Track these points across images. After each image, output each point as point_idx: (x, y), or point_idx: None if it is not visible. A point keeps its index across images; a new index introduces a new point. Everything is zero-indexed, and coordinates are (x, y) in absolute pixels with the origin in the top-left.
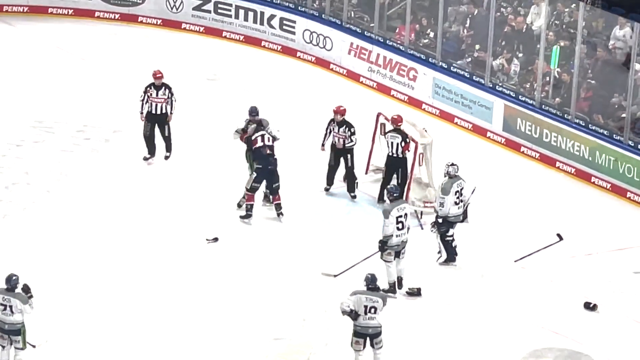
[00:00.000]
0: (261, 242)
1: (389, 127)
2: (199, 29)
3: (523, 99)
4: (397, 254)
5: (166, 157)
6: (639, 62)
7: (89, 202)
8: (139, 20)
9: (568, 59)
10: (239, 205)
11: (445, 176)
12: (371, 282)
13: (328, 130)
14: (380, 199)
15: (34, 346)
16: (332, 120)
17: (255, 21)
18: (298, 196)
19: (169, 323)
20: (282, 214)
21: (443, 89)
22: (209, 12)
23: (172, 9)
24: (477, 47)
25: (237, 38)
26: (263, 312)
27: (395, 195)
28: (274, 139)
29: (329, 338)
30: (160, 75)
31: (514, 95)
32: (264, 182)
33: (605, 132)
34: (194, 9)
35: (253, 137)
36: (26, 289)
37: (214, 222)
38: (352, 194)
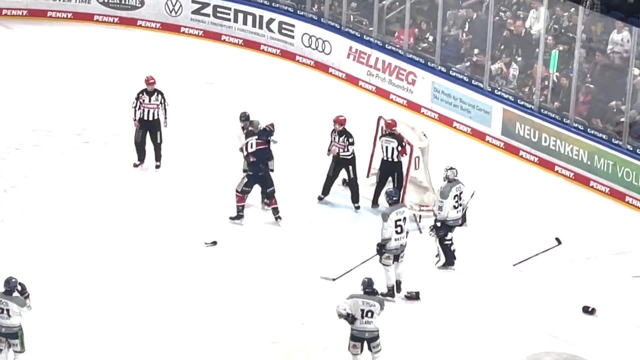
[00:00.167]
0: (260, 246)
1: (385, 131)
2: (198, 33)
3: (522, 103)
4: (396, 258)
5: (157, 167)
6: (638, 66)
7: (88, 206)
8: (138, 24)
9: (567, 63)
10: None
11: (444, 180)
12: (368, 286)
13: (333, 138)
14: (375, 203)
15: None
16: (334, 129)
17: (254, 25)
18: (296, 200)
19: (168, 326)
20: (280, 217)
21: (442, 93)
22: (208, 15)
23: (171, 12)
24: (476, 51)
25: (236, 42)
26: (261, 316)
27: (394, 198)
28: (267, 143)
29: (327, 342)
30: (152, 81)
31: (512, 100)
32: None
33: (604, 137)
34: (193, 12)
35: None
36: (22, 289)
37: (213, 226)
38: (356, 205)
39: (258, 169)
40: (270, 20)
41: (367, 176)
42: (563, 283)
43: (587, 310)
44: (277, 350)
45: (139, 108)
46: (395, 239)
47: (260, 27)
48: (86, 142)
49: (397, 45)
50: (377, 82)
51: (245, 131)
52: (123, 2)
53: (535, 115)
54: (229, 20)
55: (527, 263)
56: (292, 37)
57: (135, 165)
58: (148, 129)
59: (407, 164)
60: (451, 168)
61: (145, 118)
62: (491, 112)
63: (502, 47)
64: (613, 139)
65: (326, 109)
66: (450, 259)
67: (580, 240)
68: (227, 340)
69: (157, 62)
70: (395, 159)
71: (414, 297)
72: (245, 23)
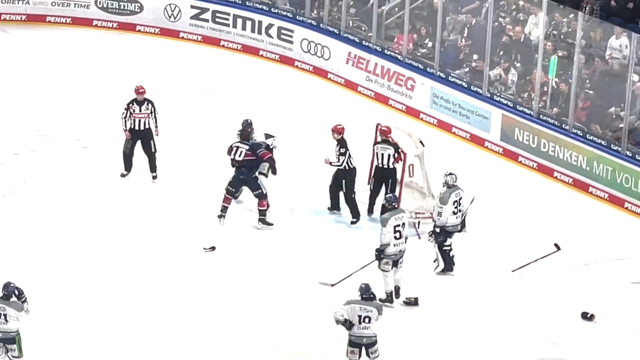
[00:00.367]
0: (258, 251)
1: (379, 138)
2: (197, 38)
3: (521, 108)
4: (395, 264)
5: (154, 178)
6: (637, 72)
7: (87, 211)
8: (137, 29)
9: (566, 69)
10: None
11: (443, 186)
12: (365, 292)
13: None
14: (370, 210)
15: None
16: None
17: (253, 30)
18: (295, 205)
19: (167, 332)
20: (262, 220)
21: (441, 98)
22: (207, 21)
23: (170, 17)
24: (475, 56)
25: (235, 47)
26: (260, 321)
27: (393, 204)
28: (256, 155)
29: (326, 347)
30: (143, 90)
31: (511, 105)
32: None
33: (603, 142)
34: (191, 18)
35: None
36: (19, 293)
37: (211, 231)
38: (352, 220)
39: (240, 172)
40: (269, 26)
41: (368, 183)
42: (562, 289)
43: (586, 317)
44: (276, 355)
45: (129, 118)
46: (394, 245)
47: (259, 33)
48: (85, 147)
49: (396, 51)
50: (376, 88)
51: (240, 135)
52: (122, 7)
53: (534, 121)
54: (227, 25)
55: (526, 269)
56: (291, 42)
57: (123, 176)
58: (139, 139)
59: (402, 171)
60: (450, 174)
61: (136, 128)
62: (490, 117)
63: (501, 52)
64: (612, 145)
65: (325, 115)
66: (449, 264)
67: (579, 246)
68: (226, 345)
69: (156, 67)
70: (391, 166)
71: (412, 302)
72: (244, 28)
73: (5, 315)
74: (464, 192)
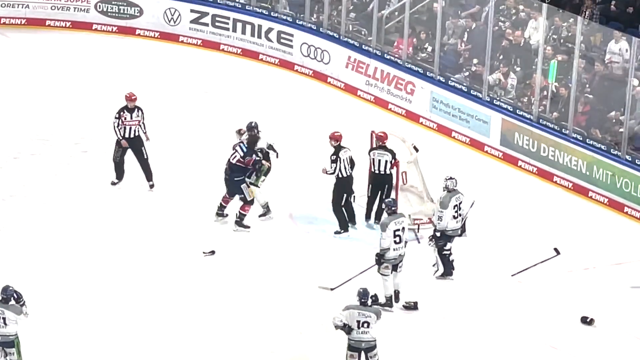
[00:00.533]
0: (258, 256)
1: (376, 144)
2: (197, 42)
3: (521, 113)
4: (394, 268)
5: (151, 186)
6: (637, 77)
7: (87, 215)
8: (137, 33)
9: (566, 73)
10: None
11: (443, 190)
12: (363, 297)
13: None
14: (368, 216)
15: None
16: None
17: (252, 34)
18: (294, 209)
19: (166, 336)
20: (238, 223)
21: (441, 102)
22: (207, 25)
23: (169, 22)
24: (475, 61)
25: (235, 51)
26: (260, 325)
27: (393, 209)
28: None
29: (325, 351)
30: (135, 97)
31: (511, 110)
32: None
33: (602, 147)
34: (191, 22)
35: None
36: (18, 297)
37: (211, 236)
38: (337, 230)
39: (225, 173)
40: (269, 30)
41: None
42: (562, 293)
43: (586, 321)
44: (275, 359)
45: (120, 126)
46: (394, 249)
47: (259, 37)
48: (84, 151)
49: (396, 55)
50: (375, 92)
51: (240, 134)
52: (122, 11)
53: (534, 125)
54: (227, 29)
55: (526, 273)
56: (291, 46)
57: (113, 184)
58: (130, 147)
59: (396, 177)
60: (450, 178)
61: (128, 136)
62: (490, 122)
63: (501, 57)
64: (612, 150)
65: (325, 119)
66: (448, 269)
67: (579, 250)
68: (226, 350)
69: (156, 71)
70: (387, 172)
71: (412, 307)
72: (244, 32)
73: (4, 318)
74: (464, 196)
